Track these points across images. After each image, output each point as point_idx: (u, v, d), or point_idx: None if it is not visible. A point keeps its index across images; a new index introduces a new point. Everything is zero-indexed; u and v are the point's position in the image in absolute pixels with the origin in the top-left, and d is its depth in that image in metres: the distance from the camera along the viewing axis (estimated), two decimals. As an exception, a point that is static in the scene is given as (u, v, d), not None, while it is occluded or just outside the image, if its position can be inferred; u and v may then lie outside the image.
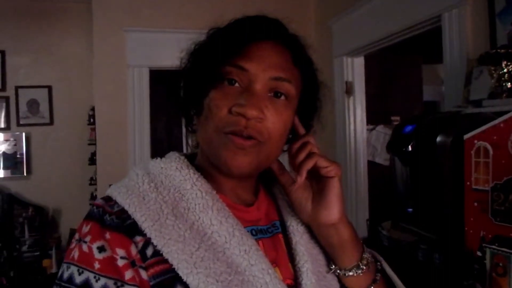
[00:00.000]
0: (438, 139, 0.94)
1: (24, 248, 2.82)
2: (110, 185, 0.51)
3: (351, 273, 0.54)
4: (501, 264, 0.73)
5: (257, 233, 0.52)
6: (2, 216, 2.87)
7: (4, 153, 3.01)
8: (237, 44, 0.48)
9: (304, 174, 0.50)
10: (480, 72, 1.23)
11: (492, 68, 1.07)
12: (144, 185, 0.49)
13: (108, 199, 0.48)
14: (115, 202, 0.47)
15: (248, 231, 0.50)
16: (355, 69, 2.16)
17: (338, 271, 0.55)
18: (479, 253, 0.78)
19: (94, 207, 0.48)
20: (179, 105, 0.55)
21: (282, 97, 0.50)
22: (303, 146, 0.53)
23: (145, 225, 0.45)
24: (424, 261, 0.99)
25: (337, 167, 0.52)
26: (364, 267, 0.54)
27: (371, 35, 1.92)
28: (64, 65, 3.11)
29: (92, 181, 2.89)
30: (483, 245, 0.78)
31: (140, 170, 0.51)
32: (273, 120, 0.48)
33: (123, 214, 0.46)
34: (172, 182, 0.50)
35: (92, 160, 2.85)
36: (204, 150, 0.52)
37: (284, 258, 0.53)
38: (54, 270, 2.67)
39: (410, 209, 1.10)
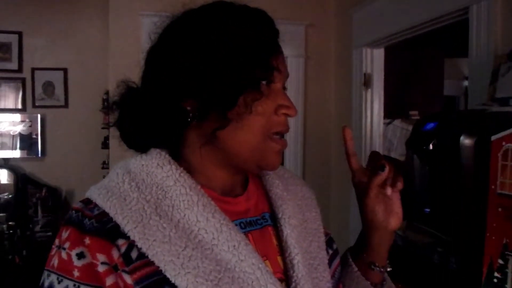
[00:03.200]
0: (462, 138, 0.90)
1: (37, 228, 2.90)
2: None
3: (389, 269, 0.59)
4: (524, 274, 0.70)
5: (246, 226, 0.51)
6: (16, 196, 2.95)
7: (20, 134, 3.07)
8: (273, 43, 0.49)
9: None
10: (508, 68, 1.17)
11: (523, 65, 1.01)
12: (124, 185, 0.47)
13: (88, 202, 0.47)
14: (95, 205, 0.46)
15: (236, 225, 0.49)
16: (374, 61, 2.10)
17: (379, 268, 0.58)
18: (500, 261, 0.75)
19: (73, 212, 0.46)
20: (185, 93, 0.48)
21: None
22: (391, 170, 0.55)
23: (127, 227, 0.43)
24: (439, 265, 0.96)
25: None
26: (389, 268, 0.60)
27: (393, 26, 1.86)
28: (80, 48, 3.13)
29: (105, 165, 2.93)
30: (506, 252, 0.74)
31: (120, 169, 0.50)
32: None
33: (103, 217, 0.44)
34: (154, 180, 0.48)
35: (105, 144, 2.88)
36: (237, 151, 0.49)
37: (273, 251, 0.53)
38: (66, 250, 2.74)
39: (428, 210, 1.07)
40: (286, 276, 0.52)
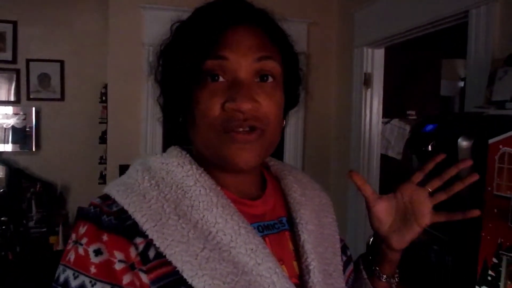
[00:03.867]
0: (460, 140, 0.93)
1: (31, 223, 2.83)
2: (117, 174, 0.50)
3: (394, 280, 0.60)
4: (517, 273, 0.73)
5: (264, 229, 0.51)
6: (9, 191, 2.86)
7: (13, 127, 2.99)
8: (210, 34, 0.46)
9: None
10: (505, 72, 1.19)
11: (520, 70, 1.04)
12: (144, 182, 0.47)
13: (106, 198, 0.46)
14: (114, 201, 0.45)
15: (254, 228, 0.48)
16: (375, 61, 2.12)
17: (386, 278, 0.59)
18: (494, 260, 0.78)
19: (91, 207, 0.46)
20: (164, 112, 0.53)
21: (270, 79, 0.48)
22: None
23: (146, 226, 0.43)
24: (435, 262, 0.99)
25: None
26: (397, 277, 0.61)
27: (394, 27, 1.87)
28: (78, 39, 3.04)
29: (102, 160, 2.87)
30: (500, 252, 0.77)
31: (140, 166, 0.49)
32: (267, 104, 0.47)
33: (122, 214, 0.44)
34: (174, 179, 0.48)
35: (103, 139, 2.83)
36: (202, 151, 0.50)
37: (289, 256, 0.53)
38: (60, 247, 2.70)
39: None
40: (301, 281, 0.51)
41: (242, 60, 0.46)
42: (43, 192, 2.91)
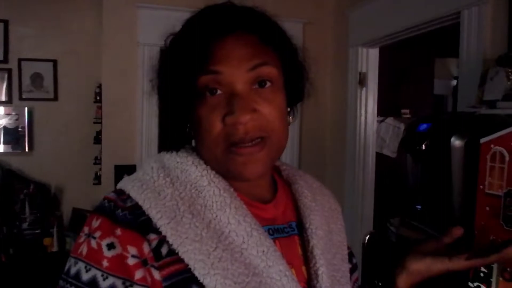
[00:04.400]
0: (453, 140, 0.94)
1: (25, 225, 2.77)
2: (123, 175, 0.51)
3: None
4: (508, 269, 0.75)
5: (274, 233, 0.51)
6: (2, 192, 2.80)
7: (4, 128, 2.93)
8: (201, 48, 0.45)
9: None
10: (496, 73, 1.21)
11: (510, 70, 1.06)
12: (159, 179, 0.47)
13: (121, 193, 0.46)
14: (128, 196, 0.45)
15: (265, 231, 0.49)
16: (369, 60, 2.14)
17: None
18: (487, 257, 0.79)
19: (106, 201, 0.46)
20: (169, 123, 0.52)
21: (268, 84, 0.48)
22: None
23: (160, 222, 0.43)
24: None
25: None
26: None
27: (388, 27, 1.89)
28: (72, 38, 2.98)
29: (97, 160, 2.85)
30: (492, 249, 0.79)
31: (155, 163, 0.50)
32: (268, 111, 0.47)
33: (136, 210, 0.44)
34: (188, 178, 0.48)
35: (97, 139, 2.80)
36: (210, 164, 0.50)
37: (298, 260, 0.53)
38: (55, 249, 2.67)
39: (419, 206, 1.12)
40: (309, 286, 0.52)
41: (236, 72, 0.46)
42: (36, 194, 2.85)
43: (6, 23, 2.91)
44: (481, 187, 0.84)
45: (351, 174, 2.18)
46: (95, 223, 0.44)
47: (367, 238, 0.67)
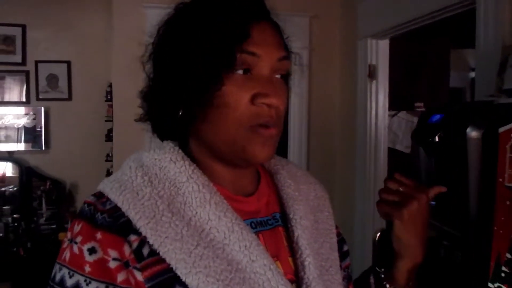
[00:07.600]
0: (468, 130, 0.89)
1: (41, 220, 2.91)
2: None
3: None
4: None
5: (257, 226, 0.51)
6: (21, 189, 2.96)
7: (24, 127, 3.07)
8: (243, 27, 0.45)
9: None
10: (516, 59, 1.15)
11: (532, 56, 0.99)
12: (137, 179, 0.46)
13: (100, 196, 0.46)
14: (108, 199, 0.45)
15: (247, 225, 0.48)
16: (379, 52, 2.08)
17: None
18: (508, 255, 0.74)
19: (85, 205, 0.46)
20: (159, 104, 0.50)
21: (283, 77, 0.50)
22: None
23: (140, 223, 0.43)
24: (445, 258, 0.96)
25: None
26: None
27: (398, 16, 1.83)
28: (83, 40, 3.13)
29: (108, 157, 2.92)
30: (514, 246, 0.73)
31: (133, 162, 0.49)
32: (282, 102, 0.48)
33: (116, 212, 0.44)
34: (167, 175, 0.47)
35: (109, 137, 2.87)
36: (216, 146, 0.48)
37: (284, 252, 0.52)
38: (69, 243, 2.77)
39: (433, 202, 1.06)
40: (297, 277, 0.51)
41: (268, 57, 0.47)
42: (52, 190, 2.97)
43: (24, 27, 3.07)
44: (501, 179, 0.79)
45: (362, 171, 2.12)
46: (77, 228, 0.44)
47: (378, 235, 0.63)
